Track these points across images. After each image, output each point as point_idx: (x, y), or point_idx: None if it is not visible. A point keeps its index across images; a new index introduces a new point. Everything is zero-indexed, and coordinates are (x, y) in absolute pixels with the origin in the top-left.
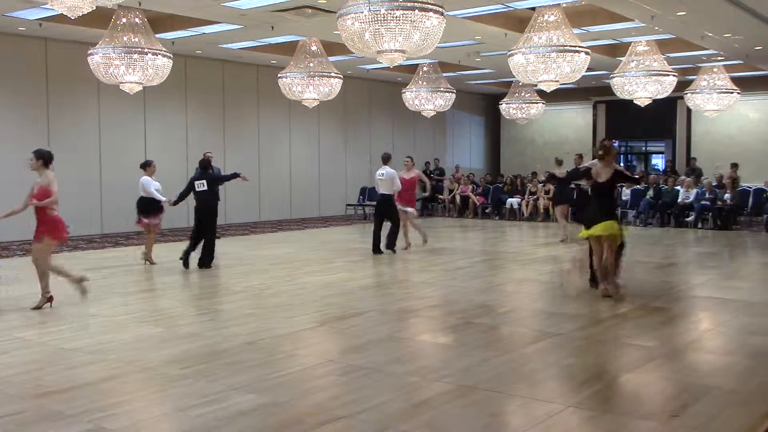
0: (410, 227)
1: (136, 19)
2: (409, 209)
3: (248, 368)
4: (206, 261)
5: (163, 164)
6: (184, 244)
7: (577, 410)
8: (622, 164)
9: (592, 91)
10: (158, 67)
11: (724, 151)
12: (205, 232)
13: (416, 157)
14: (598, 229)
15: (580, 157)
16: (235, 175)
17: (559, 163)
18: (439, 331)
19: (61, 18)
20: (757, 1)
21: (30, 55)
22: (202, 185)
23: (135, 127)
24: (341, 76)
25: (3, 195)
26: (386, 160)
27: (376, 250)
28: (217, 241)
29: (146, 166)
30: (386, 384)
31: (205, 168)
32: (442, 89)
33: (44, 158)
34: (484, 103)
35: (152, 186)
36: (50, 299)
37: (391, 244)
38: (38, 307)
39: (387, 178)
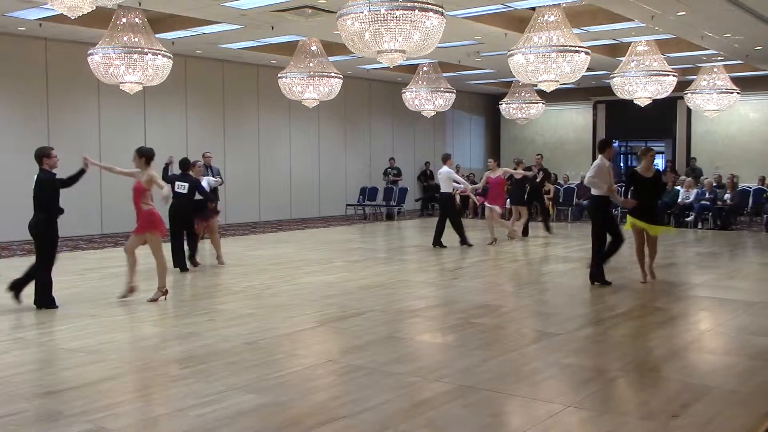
0: (497, 223)
1: (136, 19)
2: (495, 207)
3: (248, 368)
4: (191, 261)
5: (163, 164)
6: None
7: (577, 410)
8: (621, 165)
9: (592, 91)
10: (158, 67)
11: (724, 151)
12: (175, 235)
13: (416, 157)
14: (636, 224)
15: (540, 156)
16: (215, 197)
17: (518, 163)
18: (439, 331)
19: (61, 18)
20: (757, 1)
21: (30, 55)
22: (182, 188)
23: (135, 127)
24: (341, 76)
25: (3, 194)
26: (444, 160)
27: (436, 242)
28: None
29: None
30: (386, 384)
31: (185, 169)
32: (442, 89)
33: (146, 156)
34: (484, 103)
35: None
36: (166, 293)
37: (463, 240)
38: (153, 300)
39: (443, 177)
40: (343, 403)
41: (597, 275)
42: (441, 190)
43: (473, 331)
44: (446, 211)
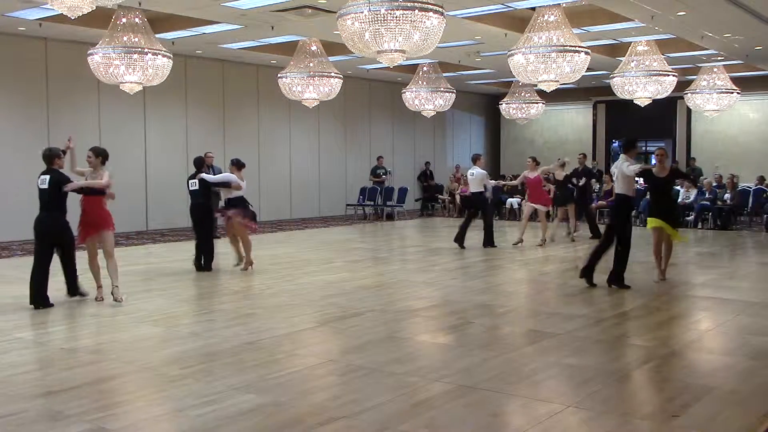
0: (543, 226)
1: (136, 19)
2: (540, 207)
3: (248, 368)
4: (207, 264)
5: (163, 164)
6: (185, 245)
7: (577, 410)
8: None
9: (592, 91)
10: (158, 67)
11: (724, 151)
12: (198, 235)
13: (416, 157)
14: (656, 223)
15: (584, 156)
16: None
17: (562, 165)
18: (439, 331)
19: (61, 18)
20: (757, 1)
21: (30, 55)
22: (194, 185)
23: (135, 127)
24: (341, 76)
25: (3, 194)
26: (475, 160)
27: (459, 241)
28: (217, 241)
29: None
30: (386, 384)
31: (198, 167)
32: (442, 89)
33: (102, 155)
34: (484, 103)
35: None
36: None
37: (488, 241)
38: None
39: (476, 178)
40: (343, 403)
41: (614, 279)
42: (472, 191)
43: (473, 331)
44: (477, 209)
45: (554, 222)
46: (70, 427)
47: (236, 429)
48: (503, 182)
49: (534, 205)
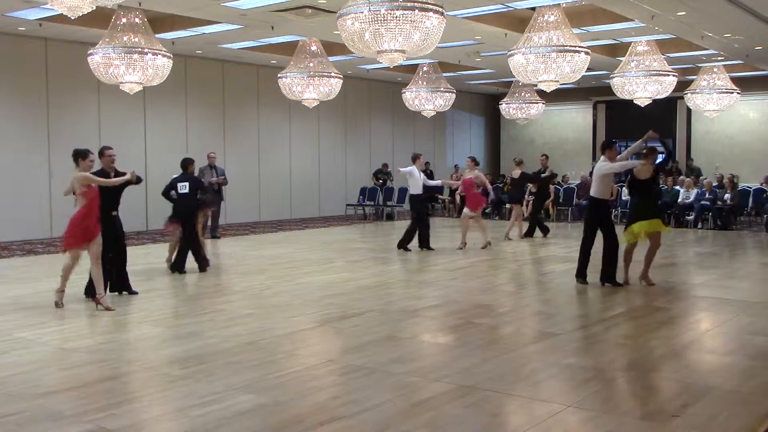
0: (473, 226)
1: (136, 19)
2: (465, 210)
3: (248, 368)
4: (201, 265)
5: (163, 164)
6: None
7: (577, 410)
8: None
9: (592, 91)
10: (158, 67)
11: (724, 151)
12: (186, 237)
13: None
14: (644, 227)
15: (546, 157)
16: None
17: (519, 163)
18: (439, 331)
19: (61, 18)
20: (757, 1)
21: (30, 55)
22: (184, 187)
23: (135, 127)
24: (341, 76)
25: (3, 194)
26: (414, 159)
27: (401, 245)
28: (217, 242)
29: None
30: (386, 384)
31: (185, 169)
32: (442, 89)
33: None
34: (484, 103)
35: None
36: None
37: (425, 243)
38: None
39: (408, 176)
40: (343, 403)
41: (578, 273)
42: (410, 192)
43: (473, 331)
44: (412, 210)
45: (510, 220)
46: (70, 427)
47: (236, 429)
48: (449, 182)
49: (466, 208)
